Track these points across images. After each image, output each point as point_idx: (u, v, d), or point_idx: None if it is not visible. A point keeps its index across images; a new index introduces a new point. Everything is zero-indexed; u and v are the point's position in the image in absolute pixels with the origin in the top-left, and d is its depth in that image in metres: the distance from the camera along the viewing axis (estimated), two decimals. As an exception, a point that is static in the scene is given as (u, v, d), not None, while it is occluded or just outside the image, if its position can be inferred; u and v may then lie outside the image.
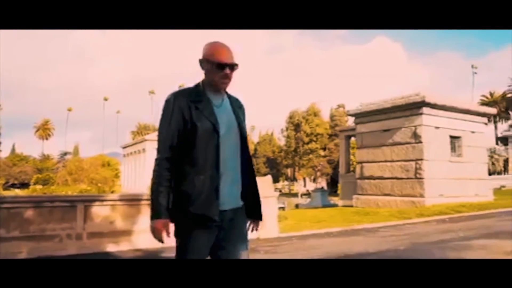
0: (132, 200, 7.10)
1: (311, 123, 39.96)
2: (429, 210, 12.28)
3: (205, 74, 2.07)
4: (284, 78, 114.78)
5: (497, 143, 47.70)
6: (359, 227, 10.00)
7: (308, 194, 33.08)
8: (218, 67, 2.00)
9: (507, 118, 56.11)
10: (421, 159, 13.41)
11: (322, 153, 40.34)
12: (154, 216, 1.89)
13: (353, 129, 16.47)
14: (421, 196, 13.30)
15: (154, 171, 1.94)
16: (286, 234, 8.65)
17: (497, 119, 57.16)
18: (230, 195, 1.95)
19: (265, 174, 56.03)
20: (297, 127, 40.45)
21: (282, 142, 50.63)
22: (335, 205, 17.91)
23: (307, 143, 39.46)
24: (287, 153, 42.45)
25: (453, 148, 14.35)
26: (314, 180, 50.73)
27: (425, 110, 13.55)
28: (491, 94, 58.58)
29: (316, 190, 21.95)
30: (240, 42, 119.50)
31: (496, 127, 54.88)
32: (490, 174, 44.97)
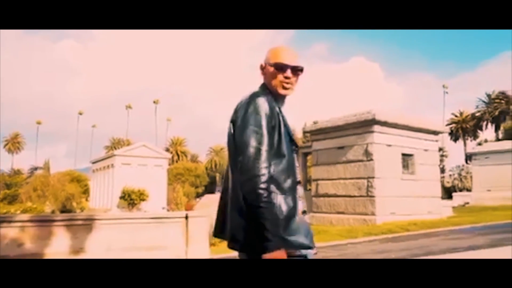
0: (44, 221, 6.72)
1: None
2: (378, 229, 12.20)
3: (267, 80, 1.90)
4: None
5: (466, 161, 48.66)
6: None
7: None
8: (277, 69, 1.85)
9: (476, 137, 57.42)
10: (373, 177, 13.38)
11: None
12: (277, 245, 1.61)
13: (310, 146, 16.43)
14: (373, 214, 13.23)
15: (265, 178, 1.65)
16: (219, 256, 8.37)
17: (466, 137, 58.56)
18: None
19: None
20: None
21: None
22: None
23: None
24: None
25: (405, 166, 14.40)
26: None
27: (376, 128, 13.60)
28: (461, 113, 59.99)
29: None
30: (221, 60, 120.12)
31: (465, 145, 56.06)
32: (460, 190, 45.95)
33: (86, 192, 48.14)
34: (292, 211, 1.70)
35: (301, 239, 1.72)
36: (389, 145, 13.93)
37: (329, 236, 11.96)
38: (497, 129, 49.55)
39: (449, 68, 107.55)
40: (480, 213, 19.81)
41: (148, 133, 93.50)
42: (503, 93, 53.96)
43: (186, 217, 7.73)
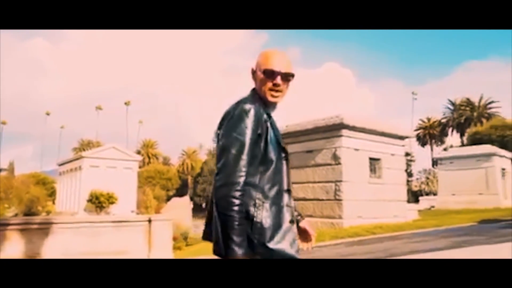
0: (-5, 225, 6.42)
1: None
2: (345, 232, 12.31)
3: (256, 85, 1.83)
4: (238, 98, 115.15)
5: (433, 166, 50.04)
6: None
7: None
8: (267, 75, 1.76)
9: (443, 142, 59.25)
10: (340, 181, 13.51)
11: None
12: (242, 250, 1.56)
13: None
14: (340, 217, 13.35)
15: (237, 185, 1.60)
16: (182, 259, 8.23)
17: (433, 142, 60.34)
18: None
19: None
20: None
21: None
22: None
23: None
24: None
25: (372, 170, 14.62)
26: None
27: (344, 132, 13.75)
28: (428, 119, 61.77)
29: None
30: (195, 62, 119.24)
31: (432, 150, 57.73)
32: (427, 194, 47.18)
33: (52, 195, 46.71)
34: (277, 219, 1.66)
35: (286, 248, 1.66)
36: (357, 149, 14.11)
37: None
38: (462, 135, 51.29)
39: (418, 75, 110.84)
40: (444, 217, 20.39)
41: (119, 135, 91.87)
42: (467, 100, 55.94)
43: (149, 221, 7.56)
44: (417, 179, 56.29)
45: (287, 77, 1.80)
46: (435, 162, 42.77)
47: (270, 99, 1.79)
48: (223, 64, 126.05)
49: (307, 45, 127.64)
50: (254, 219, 1.62)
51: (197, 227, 22.37)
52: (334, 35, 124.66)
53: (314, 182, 14.27)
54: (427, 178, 53.79)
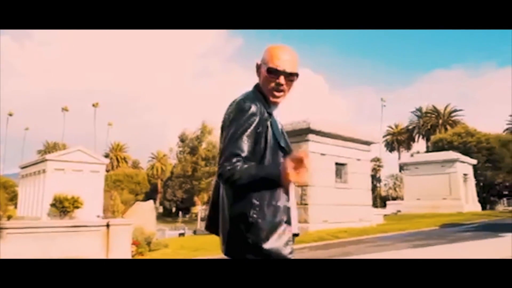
0: None
1: (208, 145, 38.22)
2: (310, 236, 12.37)
3: (260, 81, 1.78)
4: (210, 102, 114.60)
5: (400, 171, 51.22)
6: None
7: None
8: (270, 74, 1.71)
9: (410, 148, 60.87)
10: (306, 185, 13.58)
11: None
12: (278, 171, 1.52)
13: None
14: (306, 222, 13.41)
15: (229, 168, 1.57)
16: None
17: (400, 148, 61.88)
18: None
19: (182, 199, 54.48)
20: (193, 150, 38.59)
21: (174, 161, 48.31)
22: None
23: (206, 166, 37.69)
24: (184, 178, 41.13)
25: (338, 175, 14.80)
26: (206, 204, 50.01)
27: (311, 137, 13.86)
28: (396, 126, 63.33)
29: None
30: (167, 65, 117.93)
31: (400, 156, 59.14)
32: (394, 199, 48.23)
33: (14, 199, 44.98)
34: (273, 220, 1.63)
35: (280, 249, 1.64)
36: (323, 154, 14.24)
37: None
38: (428, 141, 52.78)
39: (388, 83, 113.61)
40: (408, 221, 20.88)
41: (86, 138, 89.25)
42: (433, 108, 57.76)
43: (108, 226, 7.33)
44: (385, 184, 57.59)
45: (291, 77, 1.75)
46: (401, 168, 43.79)
47: (272, 98, 1.75)
48: (195, 66, 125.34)
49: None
50: (250, 219, 1.60)
51: (164, 231, 22.00)
52: (308, 41, 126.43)
53: (281, 187, 14.29)
54: (395, 183, 55.11)
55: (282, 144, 1.74)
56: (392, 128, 63.55)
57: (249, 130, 1.63)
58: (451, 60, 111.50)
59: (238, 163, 1.56)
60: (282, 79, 1.71)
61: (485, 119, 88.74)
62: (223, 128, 1.73)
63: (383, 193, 56.46)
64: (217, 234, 1.81)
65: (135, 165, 73.43)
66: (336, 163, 14.72)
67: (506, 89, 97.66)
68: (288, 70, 1.72)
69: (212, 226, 1.87)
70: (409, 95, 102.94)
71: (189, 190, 40.71)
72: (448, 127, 50.95)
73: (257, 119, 1.65)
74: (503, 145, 35.10)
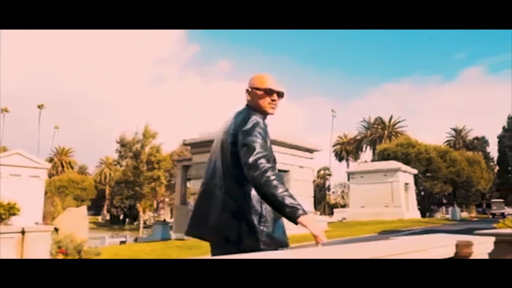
0: None
1: (151, 149, 37.28)
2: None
3: (254, 101, 2.21)
4: (163, 107, 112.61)
5: (348, 179, 52.67)
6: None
7: (150, 226, 31.59)
8: (267, 93, 2.18)
9: (357, 158, 62.87)
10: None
11: (165, 181, 38.32)
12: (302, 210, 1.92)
13: (190, 159, 16.14)
14: (246, 228, 13.31)
15: (271, 172, 1.93)
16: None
17: (349, 157, 63.80)
18: None
19: (130, 206, 52.79)
20: (135, 155, 37.50)
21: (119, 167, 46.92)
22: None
23: (150, 170, 36.73)
24: (126, 184, 39.95)
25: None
26: (156, 211, 48.91)
27: (253, 143, 13.84)
28: (345, 136, 65.30)
29: (157, 222, 20.94)
30: (120, 71, 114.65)
31: (348, 165, 60.90)
32: (342, 206, 49.48)
33: None
34: (276, 214, 2.04)
35: (281, 237, 2.09)
36: (266, 161, 14.27)
37: (201, 251, 11.69)
38: (374, 151, 54.75)
39: (340, 94, 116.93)
40: (352, 228, 21.40)
41: (29, 141, 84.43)
42: (380, 119, 60.18)
43: (23, 232, 6.83)
44: (333, 192, 58.96)
45: (280, 94, 2.25)
46: (349, 176, 45.09)
47: (270, 111, 2.22)
48: (150, 73, 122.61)
49: (238, 59, 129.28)
50: (262, 212, 2.02)
51: (104, 239, 21.13)
52: (265, 49, 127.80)
53: (223, 193, 14.15)
54: (343, 191, 56.57)
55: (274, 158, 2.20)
56: (341, 138, 65.44)
57: (266, 138, 2.08)
58: (400, 75, 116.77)
59: (269, 164, 1.97)
60: (275, 96, 2.22)
61: (428, 132, 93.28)
62: (235, 135, 2.08)
63: (332, 201, 57.78)
64: (201, 237, 2.21)
65: (82, 170, 70.60)
66: (279, 170, 14.75)
67: (449, 104, 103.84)
68: (278, 89, 2.23)
69: (196, 230, 2.24)
70: (359, 107, 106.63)
71: (131, 196, 39.45)
72: (393, 138, 53.19)
73: (266, 129, 2.11)
74: (441, 156, 37.08)
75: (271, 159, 2.06)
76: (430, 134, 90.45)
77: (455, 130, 62.70)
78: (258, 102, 2.21)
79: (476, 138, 59.74)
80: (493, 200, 40.91)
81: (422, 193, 38.01)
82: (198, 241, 10.01)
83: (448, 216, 35.33)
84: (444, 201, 47.37)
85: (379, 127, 58.91)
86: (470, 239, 2.47)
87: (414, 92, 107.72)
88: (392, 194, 30.39)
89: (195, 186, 15.14)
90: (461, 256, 2.46)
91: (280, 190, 1.90)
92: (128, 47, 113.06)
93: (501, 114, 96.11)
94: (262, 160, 1.93)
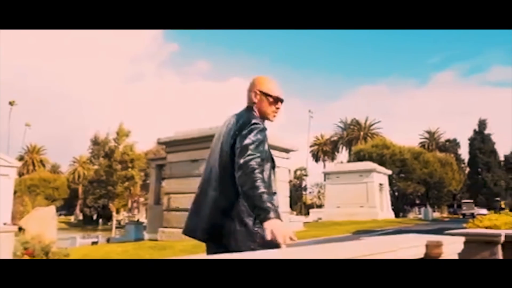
0: None
1: (125, 148, 36.55)
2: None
3: (259, 105, 2.25)
4: (141, 107, 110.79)
5: (324, 180, 53.12)
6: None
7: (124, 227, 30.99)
8: (275, 101, 2.25)
9: (334, 158, 63.55)
10: (223, 191, 13.38)
11: (139, 180, 37.68)
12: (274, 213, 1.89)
13: (165, 158, 15.89)
14: (221, 228, 13.17)
15: (256, 173, 1.93)
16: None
17: (325, 158, 64.41)
18: None
19: (104, 205, 51.67)
20: (108, 153, 36.71)
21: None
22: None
23: (124, 169, 35.93)
24: (99, 183, 39.10)
25: (256, 181, 14.77)
26: (130, 211, 48.24)
27: (229, 142, 13.70)
28: (322, 137, 65.89)
29: (130, 222, 20.54)
30: (96, 68, 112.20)
31: (324, 165, 61.46)
32: (318, 207, 49.88)
33: None
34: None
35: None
36: (241, 160, 14.16)
37: (173, 252, 11.52)
38: (350, 152, 55.41)
39: (317, 95, 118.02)
40: (327, 228, 21.56)
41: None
42: (356, 120, 60.99)
43: (-16, 233, 6.50)
44: (310, 192, 59.39)
45: (282, 103, 2.33)
46: (325, 177, 45.48)
47: (272, 118, 2.30)
48: (126, 71, 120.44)
49: (216, 59, 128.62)
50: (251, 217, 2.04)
51: (74, 239, 20.56)
52: (243, 50, 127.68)
53: (198, 193, 13.95)
54: (319, 192, 57.05)
55: (272, 160, 2.27)
56: (318, 138, 66.00)
57: (263, 142, 2.10)
58: (376, 77, 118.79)
59: (260, 167, 1.98)
60: (279, 105, 2.29)
61: (402, 134, 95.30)
62: (236, 138, 2.09)
63: (309, 201, 58.19)
64: (196, 237, 2.21)
65: (55, 169, 68.85)
66: (255, 170, 14.69)
67: (423, 106, 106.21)
68: (282, 97, 2.30)
69: (191, 230, 2.26)
70: (336, 108, 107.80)
71: (104, 195, 38.59)
72: (369, 139, 53.99)
73: (265, 135, 2.14)
74: (415, 157, 37.84)
75: (266, 161, 2.12)
76: (405, 135, 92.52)
77: (428, 132, 64.14)
78: (263, 107, 2.26)
79: (448, 140, 61.27)
80: (463, 201, 42.02)
81: (396, 193, 38.67)
82: (172, 242, 9.89)
83: (421, 216, 36.08)
84: (417, 201, 48.33)
85: (355, 128, 59.72)
86: (440, 239, 2.44)
87: (390, 94, 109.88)
88: (367, 195, 30.79)
89: (169, 185, 14.88)
90: (431, 256, 2.43)
91: (259, 191, 1.88)
92: (103, 44, 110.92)
93: (472, 117, 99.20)
94: (252, 162, 1.95)
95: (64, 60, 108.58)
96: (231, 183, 2.05)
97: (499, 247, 3.86)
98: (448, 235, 3.17)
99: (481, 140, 50.31)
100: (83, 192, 58.31)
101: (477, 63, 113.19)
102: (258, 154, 2.00)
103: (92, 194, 44.64)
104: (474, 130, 51.77)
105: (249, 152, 1.98)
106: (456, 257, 2.67)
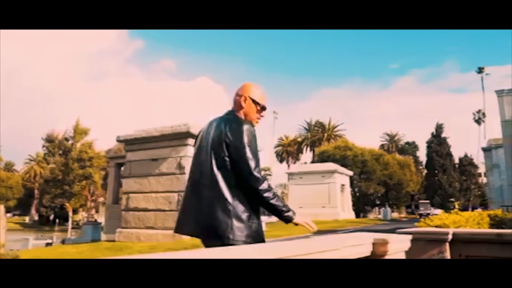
0: None
1: (83, 146, 35.34)
2: (182, 244, 11.91)
3: (246, 111, 2.40)
4: (105, 104, 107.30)
5: (288, 180, 53.56)
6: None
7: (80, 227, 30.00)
8: (261, 109, 2.46)
9: (298, 159, 64.25)
10: (183, 191, 13.12)
11: (98, 179, 36.49)
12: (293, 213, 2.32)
13: (124, 157, 15.44)
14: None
15: (265, 183, 2.20)
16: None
17: (290, 158, 65.01)
18: None
19: (61, 205, 49.70)
20: (65, 151, 35.41)
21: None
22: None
23: (81, 168, 34.69)
24: (55, 182, 37.63)
25: (218, 181, 14.60)
26: (88, 210, 46.96)
27: (191, 141, 13.48)
28: (286, 138, 66.46)
29: (87, 223, 19.85)
30: (56, 62, 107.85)
31: (288, 166, 61.99)
32: (282, 208, 50.21)
33: None
34: (258, 211, 2.32)
35: (263, 232, 2.36)
36: (203, 160, 13.96)
37: (129, 253, 11.18)
38: (314, 153, 56.20)
39: (283, 96, 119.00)
40: (289, 228, 21.46)
41: None
42: (319, 122, 61.95)
43: None
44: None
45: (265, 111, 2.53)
46: (288, 177, 45.84)
47: (256, 124, 2.43)
48: (89, 67, 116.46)
49: (182, 57, 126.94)
50: (250, 211, 2.23)
51: (27, 241, 19.62)
52: (209, 49, 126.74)
53: (158, 192, 13.65)
54: (283, 192, 57.45)
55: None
56: (282, 139, 66.52)
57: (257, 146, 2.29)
58: (340, 80, 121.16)
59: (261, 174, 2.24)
60: (264, 113, 2.48)
61: (364, 136, 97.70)
62: (226, 140, 2.24)
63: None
64: (191, 234, 2.36)
65: (8, 167, 65.75)
66: (217, 169, 14.51)
67: (384, 110, 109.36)
68: (266, 105, 2.50)
69: (185, 228, 2.39)
70: (301, 109, 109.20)
71: (60, 195, 37.11)
72: (332, 140, 54.95)
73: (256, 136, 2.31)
74: (375, 159, 38.83)
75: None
76: (367, 137, 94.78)
77: (389, 135, 66.10)
78: (250, 113, 2.41)
79: (408, 143, 63.37)
80: (420, 202, 43.58)
81: (357, 194, 39.52)
82: (130, 243, 9.53)
83: (380, 216, 37.07)
84: (378, 202, 49.63)
85: (319, 130, 60.63)
86: (386, 238, 2.43)
87: (353, 97, 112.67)
88: (329, 195, 31.26)
89: (128, 184, 14.47)
90: (378, 255, 2.42)
91: (277, 197, 2.24)
92: (66, 38, 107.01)
93: (430, 121, 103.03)
94: (260, 173, 2.21)
95: (21, 55, 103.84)
96: (225, 183, 2.22)
97: (447, 245, 3.94)
98: (399, 234, 3.20)
99: (438, 143, 52.30)
100: (39, 191, 56.00)
101: (433, 70, 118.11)
102: (259, 163, 2.25)
103: (47, 193, 42.92)
104: (432, 134, 53.78)
105: (255, 163, 2.21)
106: (403, 255, 2.68)
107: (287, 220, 2.29)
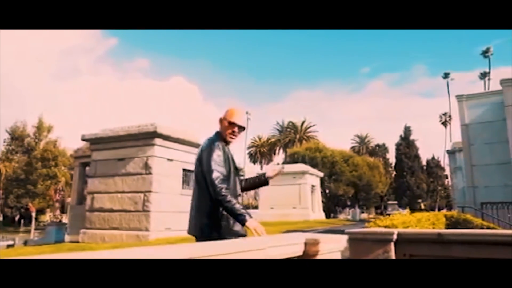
0: None
1: (47, 145, 34.19)
2: (148, 245, 11.82)
3: (220, 129, 2.93)
4: (75, 102, 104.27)
5: (260, 181, 53.63)
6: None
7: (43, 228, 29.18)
8: (231, 125, 2.88)
9: (271, 160, 64.54)
10: (150, 191, 13.02)
11: (63, 179, 35.46)
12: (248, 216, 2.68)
13: (89, 156, 15.14)
14: (147, 229, 12.81)
15: (225, 191, 2.65)
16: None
17: (263, 159, 65.23)
18: None
19: (27, 206, 48.10)
20: (28, 150, 34.21)
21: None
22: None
23: (45, 167, 33.51)
24: (18, 181, 36.41)
25: (186, 181, 14.53)
26: (52, 211, 45.89)
27: (158, 141, 13.36)
28: (260, 138, 66.66)
29: (51, 223, 19.37)
30: (25, 60, 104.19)
31: (262, 167, 62.25)
32: (254, 208, 50.18)
33: None
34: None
35: (240, 229, 2.75)
36: (170, 160, 13.87)
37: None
38: (286, 153, 56.59)
39: (256, 98, 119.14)
40: (281, 225, 21.73)
41: None
42: (292, 123, 62.46)
43: None
44: (246, 193, 59.78)
45: (241, 129, 2.95)
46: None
47: (229, 140, 2.89)
48: (58, 64, 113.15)
49: (156, 57, 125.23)
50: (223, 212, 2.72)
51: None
52: (184, 50, 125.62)
53: (123, 192, 13.45)
54: (255, 193, 57.54)
55: (236, 167, 2.90)
56: (255, 140, 66.69)
57: (222, 161, 2.75)
58: (313, 82, 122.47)
59: (225, 185, 2.69)
60: (236, 129, 2.89)
61: (336, 137, 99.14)
62: (201, 158, 2.82)
63: (245, 202, 58.53)
64: (191, 234, 2.91)
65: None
66: (184, 170, 14.45)
67: (355, 112, 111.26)
68: (240, 123, 2.93)
69: (188, 229, 2.96)
70: (274, 110, 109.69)
71: (23, 195, 35.85)
72: (304, 142, 55.50)
73: (224, 155, 2.78)
74: (345, 161, 39.47)
75: (231, 172, 2.83)
76: (339, 139, 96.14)
77: (359, 137, 67.31)
78: (222, 131, 2.89)
79: (378, 145, 64.71)
80: (389, 202, 44.61)
81: (328, 195, 40.05)
82: (93, 244, 9.39)
83: (350, 217, 37.69)
84: (348, 203, 50.44)
85: (292, 131, 61.13)
86: (317, 238, 2.50)
87: (326, 99, 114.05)
88: (299, 196, 31.51)
89: (93, 184, 14.20)
90: (309, 254, 2.48)
91: (232, 203, 2.61)
92: (34, 35, 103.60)
93: (399, 123, 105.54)
94: (219, 182, 2.62)
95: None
96: (205, 190, 2.71)
97: (392, 245, 4.09)
98: (348, 234, 3.29)
99: (406, 145, 53.68)
100: (3, 191, 54.01)
101: (402, 75, 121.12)
102: (221, 173, 2.67)
103: (11, 193, 41.46)
104: (400, 136, 55.15)
105: (215, 174, 2.65)
106: (338, 255, 2.75)
107: (241, 223, 2.65)
